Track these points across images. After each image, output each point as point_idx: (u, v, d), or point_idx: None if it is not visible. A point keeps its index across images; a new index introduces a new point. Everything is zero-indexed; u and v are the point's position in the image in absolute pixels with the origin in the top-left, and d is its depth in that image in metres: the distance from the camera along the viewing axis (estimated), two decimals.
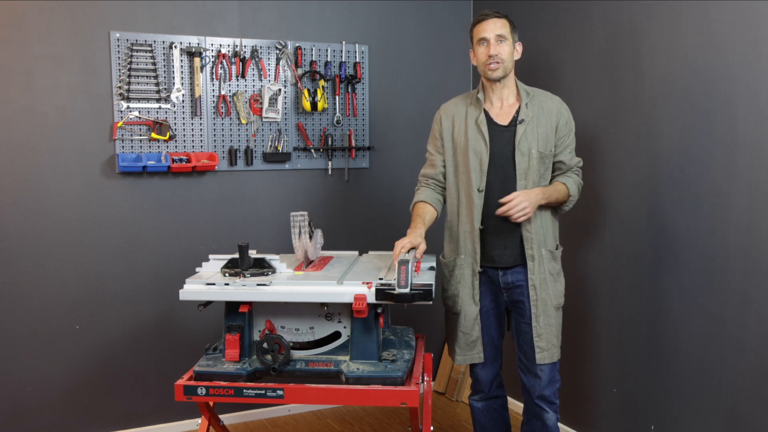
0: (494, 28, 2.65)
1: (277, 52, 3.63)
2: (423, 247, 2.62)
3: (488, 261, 2.72)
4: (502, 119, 2.71)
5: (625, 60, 3.02)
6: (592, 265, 3.26)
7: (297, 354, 2.55)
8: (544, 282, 2.68)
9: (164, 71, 3.42)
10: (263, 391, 2.44)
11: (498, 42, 2.64)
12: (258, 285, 2.50)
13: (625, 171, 3.04)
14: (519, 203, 2.56)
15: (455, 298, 2.79)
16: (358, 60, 3.81)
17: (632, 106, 2.99)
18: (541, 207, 2.66)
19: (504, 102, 2.73)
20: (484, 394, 2.90)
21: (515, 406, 3.82)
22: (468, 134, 2.71)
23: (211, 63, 3.50)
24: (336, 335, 2.57)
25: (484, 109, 2.72)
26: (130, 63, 3.34)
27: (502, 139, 2.68)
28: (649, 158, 2.92)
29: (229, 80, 3.55)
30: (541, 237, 2.69)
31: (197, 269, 2.70)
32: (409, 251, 2.57)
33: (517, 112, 2.70)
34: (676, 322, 2.84)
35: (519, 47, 2.74)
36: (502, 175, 2.67)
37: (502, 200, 2.59)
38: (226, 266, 2.63)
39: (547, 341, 2.69)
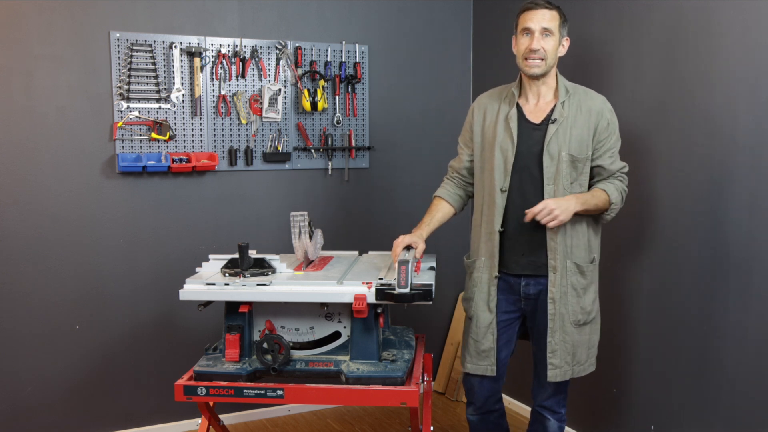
0: (542, 19, 2.42)
1: (277, 52, 3.63)
2: (422, 247, 2.57)
3: (505, 267, 2.56)
4: (535, 117, 2.52)
5: (625, 59, 3.02)
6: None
7: (297, 354, 2.55)
8: (564, 296, 2.49)
9: (164, 71, 3.42)
10: (263, 391, 2.44)
11: (543, 36, 2.43)
12: (258, 285, 2.50)
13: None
14: (549, 212, 2.35)
15: (470, 301, 2.64)
16: (358, 60, 3.81)
17: (632, 106, 2.99)
18: (576, 215, 2.43)
19: (541, 99, 2.54)
20: (479, 409, 2.71)
21: (520, 408, 3.81)
22: (496, 130, 2.53)
23: (211, 63, 3.50)
24: (336, 335, 2.57)
25: (518, 104, 2.55)
26: (130, 63, 3.34)
27: (531, 138, 2.49)
28: (649, 158, 2.91)
29: (229, 80, 3.55)
30: (568, 248, 2.49)
31: (197, 269, 2.70)
32: (409, 250, 2.56)
33: (552, 110, 2.50)
34: (676, 321, 2.84)
35: (566, 43, 2.53)
36: (527, 177, 2.49)
37: (529, 210, 2.39)
38: (226, 266, 2.63)
39: (560, 358, 2.52)
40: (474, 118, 2.65)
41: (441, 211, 2.68)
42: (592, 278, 2.57)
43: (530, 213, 2.38)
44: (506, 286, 2.58)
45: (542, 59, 2.44)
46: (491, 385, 2.65)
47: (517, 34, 2.51)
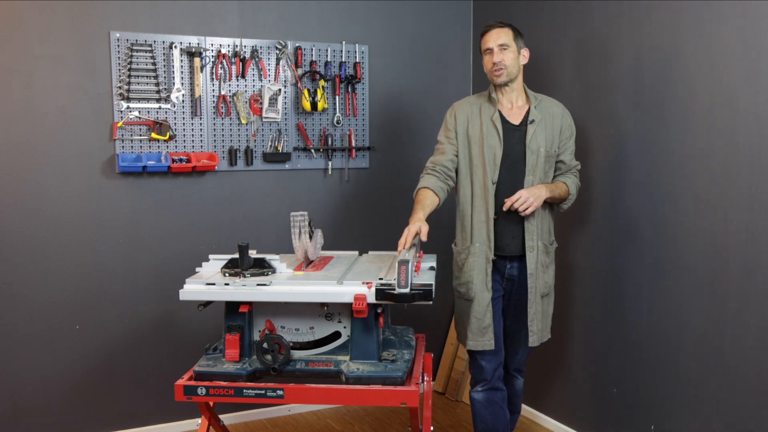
0: (497, 38, 2.85)
1: (277, 52, 3.63)
2: (426, 228, 2.72)
3: (498, 250, 2.88)
4: (514, 119, 2.90)
5: (624, 61, 3.03)
6: (592, 265, 3.26)
7: (297, 354, 2.55)
8: (537, 272, 2.88)
9: (164, 71, 3.42)
10: (263, 391, 2.44)
11: (501, 50, 2.84)
12: (258, 285, 2.50)
13: (624, 171, 3.05)
14: (525, 199, 2.75)
15: (469, 284, 2.88)
16: (358, 60, 3.81)
17: (632, 105, 3.00)
18: (543, 203, 2.84)
19: (514, 104, 2.93)
20: (487, 384, 2.94)
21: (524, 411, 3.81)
22: (483, 130, 2.88)
23: (211, 63, 3.50)
24: (336, 335, 2.57)
25: (498, 109, 2.91)
26: (130, 63, 3.34)
27: (513, 137, 2.87)
28: (650, 158, 2.92)
29: (229, 80, 3.55)
30: (539, 230, 2.88)
31: (197, 269, 2.70)
32: (410, 249, 2.61)
33: (527, 113, 2.89)
34: (676, 321, 2.84)
35: (525, 53, 2.92)
36: (513, 170, 2.85)
37: (507, 199, 2.79)
38: (226, 266, 2.63)
39: (536, 326, 2.91)
40: (456, 120, 2.95)
41: (429, 199, 2.85)
42: (552, 257, 2.98)
43: (509, 202, 2.78)
44: (495, 269, 2.91)
45: (504, 69, 2.85)
46: (494, 359, 2.94)
47: (482, 55, 2.92)
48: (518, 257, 2.88)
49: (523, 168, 2.84)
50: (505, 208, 2.79)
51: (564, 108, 2.97)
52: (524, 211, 2.76)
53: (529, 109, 2.89)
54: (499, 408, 2.96)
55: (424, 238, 2.69)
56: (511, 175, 2.85)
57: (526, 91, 2.94)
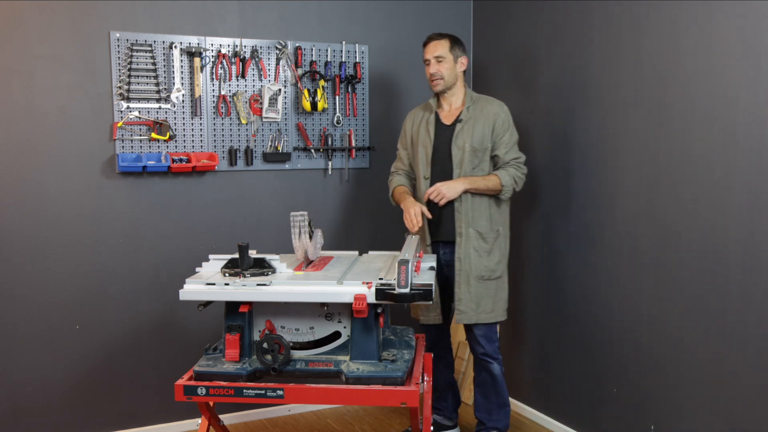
0: (434, 50, 3.19)
1: (277, 52, 3.63)
2: (425, 207, 3.15)
3: (434, 236, 3.25)
4: (448, 120, 3.26)
5: (625, 60, 3.03)
6: (592, 265, 3.26)
7: (297, 354, 2.55)
8: (468, 256, 3.17)
9: (164, 71, 3.42)
10: (263, 391, 2.45)
11: (437, 62, 3.18)
12: (258, 285, 2.50)
13: (626, 171, 3.05)
14: (439, 192, 3.08)
15: None
16: (358, 60, 3.81)
17: (633, 105, 3.00)
18: (475, 194, 3.15)
19: (452, 106, 3.27)
20: (430, 350, 3.31)
21: (520, 408, 3.81)
22: (420, 132, 3.30)
23: (211, 63, 3.50)
24: (336, 335, 2.57)
25: (436, 112, 3.28)
26: (130, 63, 3.34)
27: (444, 136, 3.23)
28: (649, 158, 2.92)
29: (229, 80, 3.55)
30: (470, 218, 3.17)
31: (197, 269, 2.70)
32: (414, 235, 2.93)
33: (460, 113, 3.21)
34: (676, 321, 2.84)
35: (464, 60, 3.24)
36: (443, 165, 3.21)
37: (426, 192, 3.14)
38: (226, 266, 2.63)
39: (465, 305, 3.18)
40: (406, 127, 3.40)
41: (408, 192, 3.31)
42: (495, 245, 3.22)
43: (426, 194, 3.13)
44: (433, 252, 3.26)
45: (441, 79, 3.20)
46: (438, 332, 3.40)
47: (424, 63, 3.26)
48: (452, 243, 3.20)
49: (451, 163, 3.17)
50: (425, 199, 3.14)
51: (501, 107, 3.23)
52: (439, 201, 3.09)
53: (462, 110, 3.21)
54: (441, 374, 3.44)
55: (428, 215, 3.13)
56: (443, 170, 3.20)
57: (466, 94, 3.25)
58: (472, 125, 3.17)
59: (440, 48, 3.18)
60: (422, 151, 3.25)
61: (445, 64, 3.18)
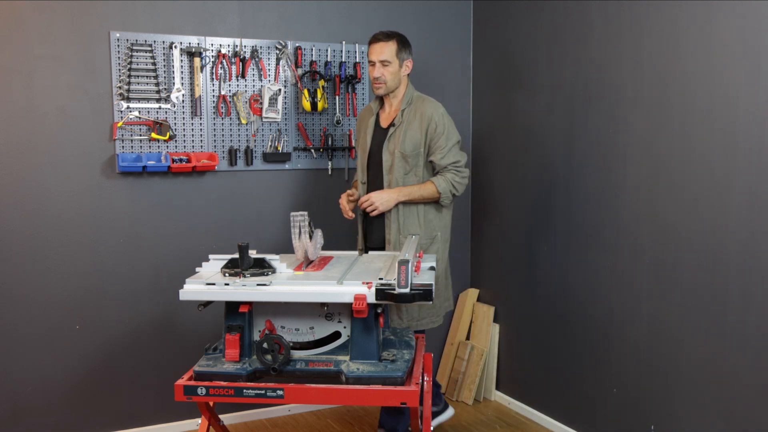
0: (380, 53, 3.11)
1: (277, 52, 3.63)
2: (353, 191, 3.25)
3: (368, 242, 3.28)
4: (385, 123, 3.21)
5: (625, 59, 3.03)
6: (592, 265, 3.26)
7: (297, 354, 2.55)
8: None
9: (164, 71, 3.42)
10: (263, 391, 2.44)
11: (382, 65, 3.11)
12: (258, 285, 2.50)
13: (626, 171, 3.05)
14: (371, 203, 3.08)
15: None
16: (358, 60, 3.81)
17: (633, 105, 3.00)
18: (408, 202, 3.11)
19: (392, 108, 3.22)
20: None
21: (520, 408, 3.81)
22: (360, 134, 3.29)
23: (211, 63, 3.50)
24: (336, 335, 2.57)
25: (378, 114, 3.25)
26: (130, 63, 3.34)
27: (379, 140, 3.18)
28: (649, 158, 2.92)
29: (229, 80, 3.55)
30: (401, 225, 3.13)
31: (197, 269, 2.70)
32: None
33: (395, 118, 3.16)
34: (676, 321, 2.84)
35: (409, 63, 3.18)
36: (378, 170, 3.18)
37: (359, 200, 3.15)
38: (226, 266, 2.63)
39: (393, 312, 3.14)
40: (357, 128, 3.38)
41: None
42: (431, 250, 3.17)
43: (360, 202, 3.15)
44: None
45: (383, 83, 3.13)
46: None
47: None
48: (383, 249, 3.18)
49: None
50: (361, 207, 3.14)
51: (435, 109, 3.12)
52: (371, 212, 3.10)
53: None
54: None
55: (354, 197, 3.19)
56: (378, 175, 3.17)
57: (405, 95, 3.17)
58: (405, 130, 3.11)
59: (387, 51, 3.11)
60: (360, 154, 3.26)
61: (390, 68, 3.12)
